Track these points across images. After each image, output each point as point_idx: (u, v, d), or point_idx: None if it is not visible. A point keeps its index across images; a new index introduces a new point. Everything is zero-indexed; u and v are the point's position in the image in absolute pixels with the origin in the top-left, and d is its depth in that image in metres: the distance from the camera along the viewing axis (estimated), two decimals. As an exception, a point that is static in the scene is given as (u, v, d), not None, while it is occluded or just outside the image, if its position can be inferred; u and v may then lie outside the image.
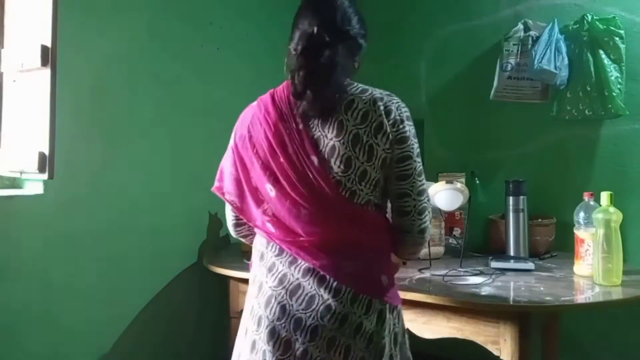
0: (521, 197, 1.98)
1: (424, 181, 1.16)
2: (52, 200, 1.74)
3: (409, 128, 1.12)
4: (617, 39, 1.99)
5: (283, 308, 1.08)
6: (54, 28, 1.53)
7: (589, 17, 2.03)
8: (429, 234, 1.17)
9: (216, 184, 1.28)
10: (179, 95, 2.18)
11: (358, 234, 1.12)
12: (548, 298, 1.45)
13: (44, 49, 1.53)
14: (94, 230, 1.87)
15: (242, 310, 1.46)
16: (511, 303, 1.45)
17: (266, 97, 1.19)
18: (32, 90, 1.58)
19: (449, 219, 2.18)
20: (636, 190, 2.01)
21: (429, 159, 2.49)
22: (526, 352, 1.42)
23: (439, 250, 2.03)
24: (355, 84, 1.15)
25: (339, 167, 1.08)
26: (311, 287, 1.07)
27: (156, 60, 2.09)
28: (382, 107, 1.10)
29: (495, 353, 1.45)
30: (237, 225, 1.30)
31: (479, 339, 1.48)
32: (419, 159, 1.14)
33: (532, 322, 1.49)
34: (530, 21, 2.18)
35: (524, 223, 1.97)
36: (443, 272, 1.74)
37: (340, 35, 1.13)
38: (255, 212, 1.17)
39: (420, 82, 2.53)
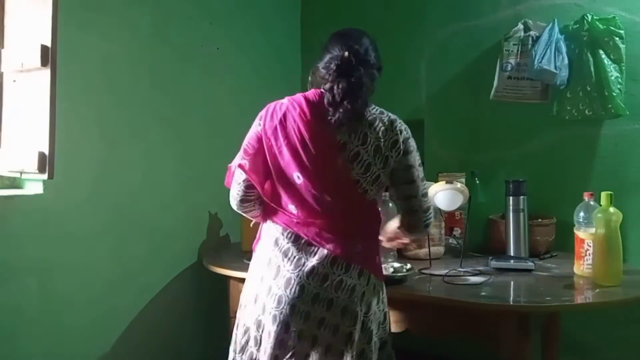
0: (521, 197, 1.98)
1: (426, 185, 1.42)
2: (52, 200, 1.74)
3: (413, 144, 1.39)
4: (617, 39, 1.99)
5: (302, 288, 1.29)
6: (54, 28, 1.53)
7: (589, 17, 2.03)
8: (432, 226, 1.49)
9: (240, 160, 1.41)
10: (179, 95, 2.18)
11: (364, 223, 1.39)
12: (548, 298, 1.45)
13: (44, 49, 1.53)
14: (94, 230, 1.87)
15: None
16: (511, 303, 1.45)
17: (299, 98, 1.37)
18: (32, 90, 1.58)
19: (449, 219, 2.18)
20: (636, 190, 2.01)
21: (429, 159, 2.49)
22: (526, 352, 1.42)
23: (439, 250, 2.03)
24: (373, 105, 1.39)
25: (360, 169, 1.32)
26: (324, 267, 1.30)
27: (156, 60, 2.09)
28: (397, 128, 1.35)
29: (496, 353, 1.45)
30: (245, 201, 1.45)
31: (479, 339, 1.48)
32: (420, 168, 1.40)
33: (532, 322, 1.49)
34: (530, 21, 2.18)
35: (524, 223, 1.98)
36: (443, 272, 1.74)
37: (363, 63, 1.34)
38: (282, 194, 1.37)
39: (420, 82, 2.53)
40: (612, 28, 1.99)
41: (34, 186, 1.75)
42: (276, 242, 1.36)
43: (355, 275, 1.31)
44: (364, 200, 1.35)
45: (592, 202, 1.71)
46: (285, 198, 1.37)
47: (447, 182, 1.85)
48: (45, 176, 1.55)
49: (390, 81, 2.57)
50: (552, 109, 2.16)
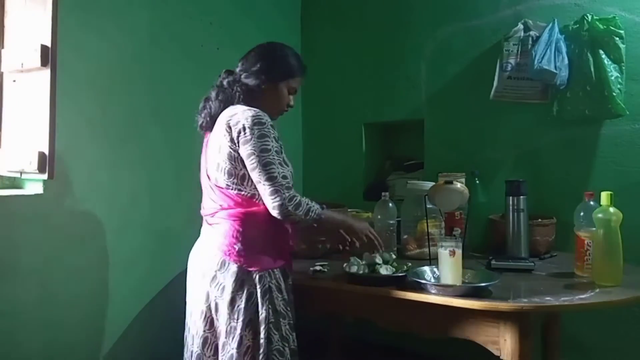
0: (521, 197, 1.98)
1: None
2: (52, 200, 1.74)
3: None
4: (617, 39, 1.99)
5: None
6: (54, 28, 1.53)
7: (589, 17, 2.03)
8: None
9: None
10: (179, 95, 2.18)
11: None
12: (548, 298, 1.45)
13: (44, 49, 1.53)
14: (93, 230, 1.87)
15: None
16: (511, 303, 1.45)
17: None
18: (32, 90, 1.59)
19: (448, 219, 2.17)
20: (636, 190, 2.01)
21: (429, 159, 2.50)
22: (526, 352, 1.42)
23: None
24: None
25: None
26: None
27: (156, 60, 2.09)
28: None
29: (495, 353, 1.45)
30: None
31: (479, 339, 1.47)
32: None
33: (532, 322, 1.49)
34: (530, 21, 2.18)
35: (524, 223, 1.97)
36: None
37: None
38: None
39: (420, 82, 2.53)
40: (612, 28, 1.99)
41: (34, 186, 1.75)
42: None
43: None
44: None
45: (592, 202, 1.71)
46: None
47: (447, 182, 1.84)
48: (45, 176, 1.55)
49: (390, 81, 2.58)
50: (552, 109, 2.16)
